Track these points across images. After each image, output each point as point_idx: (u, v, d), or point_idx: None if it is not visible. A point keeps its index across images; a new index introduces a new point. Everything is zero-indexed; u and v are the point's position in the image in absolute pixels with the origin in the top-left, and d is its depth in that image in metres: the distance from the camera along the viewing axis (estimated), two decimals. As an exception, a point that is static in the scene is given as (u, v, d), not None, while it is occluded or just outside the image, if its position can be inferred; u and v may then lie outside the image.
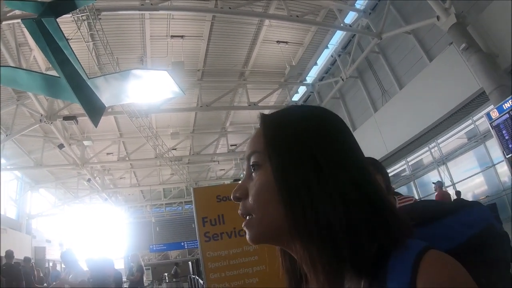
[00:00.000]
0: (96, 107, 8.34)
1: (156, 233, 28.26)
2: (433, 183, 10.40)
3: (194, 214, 5.12)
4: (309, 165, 0.70)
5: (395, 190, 3.13)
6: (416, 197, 6.00)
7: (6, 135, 14.21)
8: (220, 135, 19.62)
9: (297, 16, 11.51)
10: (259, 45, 13.70)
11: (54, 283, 9.01)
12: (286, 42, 14.01)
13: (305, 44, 14.33)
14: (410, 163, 14.00)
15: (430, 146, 12.70)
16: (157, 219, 28.82)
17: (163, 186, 26.04)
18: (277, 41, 13.82)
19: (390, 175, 13.24)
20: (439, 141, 12.30)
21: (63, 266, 8.87)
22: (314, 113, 0.79)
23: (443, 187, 10.39)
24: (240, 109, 16.70)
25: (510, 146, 8.13)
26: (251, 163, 0.79)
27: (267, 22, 12.69)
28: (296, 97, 17.95)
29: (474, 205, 0.77)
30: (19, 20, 8.10)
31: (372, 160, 2.68)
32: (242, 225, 0.79)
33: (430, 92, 10.70)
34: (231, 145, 19.73)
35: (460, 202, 0.78)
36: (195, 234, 5.16)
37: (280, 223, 0.72)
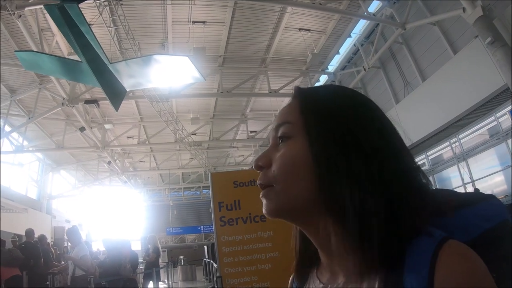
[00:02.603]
0: (117, 91, 8.45)
1: (174, 217, 28.65)
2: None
3: (211, 199, 5.19)
4: (349, 142, 0.69)
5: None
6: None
7: (29, 118, 14.57)
8: (240, 121, 19.62)
9: (320, 4, 11.32)
10: (281, 32, 13.56)
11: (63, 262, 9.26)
12: (309, 30, 13.82)
13: (327, 32, 14.11)
14: (430, 158, 13.78)
15: (451, 141, 12.46)
16: (175, 203, 29.18)
17: (182, 171, 26.31)
18: (299, 29, 13.65)
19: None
20: (460, 136, 12.06)
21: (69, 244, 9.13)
22: (352, 92, 0.79)
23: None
24: (261, 96, 16.68)
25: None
26: (279, 134, 0.76)
27: (289, 9, 12.51)
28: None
29: (490, 198, 0.75)
30: (41, 6, 8.23)
31: None
32: (260, 196, 0.76)
33: (453, 86, 10.47)
34: (251, 132, 19.71)
35: (477, 194, 0.77)
36: (212, 218, 5.23)
37: (306, 197, 0.70)
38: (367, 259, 0.63)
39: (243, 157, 25.18)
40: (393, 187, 0.66)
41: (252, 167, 0.80)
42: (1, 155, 16.49)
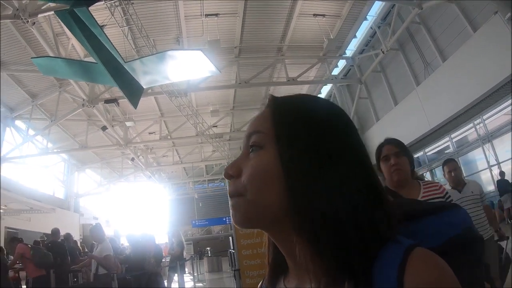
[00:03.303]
0: (134, 89, 8.57)
1: (199, 209, 29.02)
2: None
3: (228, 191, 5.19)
4: (319, 155, 0.69)
5: (422, 174, 3.06)
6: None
7: (51, 121, 14.92)
8: (260, 111, 19.50)
9: (333, -13, 11.15)
10: (295, 19, 13.37)
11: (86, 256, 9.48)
12: (323, 15, 13.60)
13: (343, 16, 13.84)
14: (454, 140, 13.43)
15: (475, 123, 12.10)
16: (200, 195, 29.50)
17: (205, 163, 26.50)
18: (314, 14, 13.44)
19: (432, 152, 12.79)
20: (484, 117, 11.69)
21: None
22: (326, 106, 0.79)
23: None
24: (279, 84, 16.53)
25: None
26: (251, 143, 0.76)
27: (303, -6, 12.27)
28: (335, 71, 17.48)
29: (455, 207, 0.78)
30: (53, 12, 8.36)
31: (397, 141, 2.60)
32: (229, 205, 0.75)
33: (475, 65, 10.12)
34: (271, 118, 19.63)
35: (442, 203, 0.79)
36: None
37: (275, 208, 0.70)
38: (333, 268, 0.63)
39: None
40: (361, 197, 0.67)
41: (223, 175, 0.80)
42: (26, 158, 17.02)
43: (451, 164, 4.67)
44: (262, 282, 0.88)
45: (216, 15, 12.31)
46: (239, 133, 20.11)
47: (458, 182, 4.51)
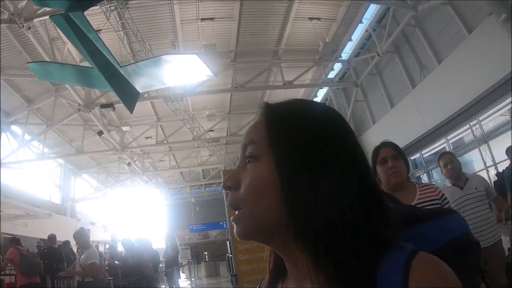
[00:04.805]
0: (130, 94, 8.54)
1: (196, 213, 28.98)
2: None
3: (224, 195, 5.18)
4: (316, 163, 0.69)
5: (419, 176, 3.06)
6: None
7: (47, 126, 14.88)
8: (257, 115, 19.39)
9: (329, -10, 11.19)
10: (291, 23, 13.39)
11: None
12: (319, 19, 13.62)
13: (338, 19, 13.88)
14: (450, 141, 13.46)
15: (471, 124, 12.13)
16: (197, 200, 29.47)
17: (202, 167, 26.49)
18: (309, 18, 13.45)
19: (429, 153, 12.73)
20: (480, 118, 11.71)
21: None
22: (321, 110, 0.77)
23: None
24: (276, 88, 16.52)
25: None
26: (247, 154, 0.75)
27: (298, -3, 12.30)
28: (331, 74, 17.51)
29: (452, 212, 0.79)
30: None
31: (394, 144, 2.59)
32: (231, 219, 0.75)
33: (470, 66, 10.13)
34: (266, 127, 19.64)
35: (440, 209, 0.79)
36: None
37: (273, 219, 0.70)
38: (334, 279, 0.63)
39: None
40: (360, 204, 0.67)
41: (221, 186, 0.80)
42: (23, 163, 16.95)
43: (445, 156, 4.31)
44: (259, 286, 0.88)
45: (212, 19, 12.32)
46: (236, 137, 20.10)
47: (457, 176, 4.13)
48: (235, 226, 0.74)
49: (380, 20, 14.10)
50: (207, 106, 17.04)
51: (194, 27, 12.38)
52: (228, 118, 19.16)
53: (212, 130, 19.54)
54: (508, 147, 5.46)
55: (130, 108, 9.01)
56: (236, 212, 0.74)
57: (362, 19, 14.42)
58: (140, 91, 9.01)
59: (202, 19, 12.11)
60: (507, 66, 8.94)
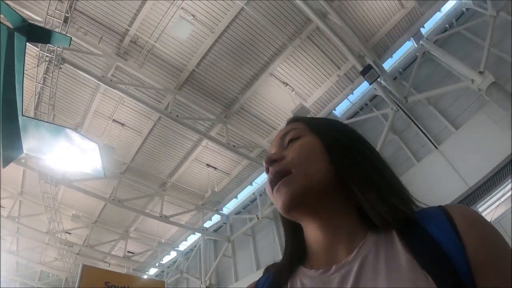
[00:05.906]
0: (13, 147, 7.85)
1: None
2: None
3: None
4: (351, 146, 0.85)
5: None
6: None
7: None
8: (121, 237, 18.20)
9: (234, 146, 12.23)
10: (189, 162, 14.03)
11: None
12: (215, 168, 14.47)
13: (232, 175, 14.86)
14: None
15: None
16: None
17: (42, 267, 22.32)
18: (207, 164, 14.26)
19: None
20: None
21: None
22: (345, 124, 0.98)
23: None
24: (151, 217, 15.93)
25: None
26: (289, 137, 0.87)
27: (204, 142, 13.20)
28: (208, 224, 17.73)
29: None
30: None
31: None
32: (275, 188, 0.80)
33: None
34: (128, 252, 18.16)
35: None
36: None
37: (324, 180, 0.78)
38: (384, 213, 0.74)
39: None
40: (388, 176, 0.84)
41: (263, 164, 0.87)
42: None
43: None
44: (257, 282, 0.94)
45: (123, 125, 12.50)
46: (91, 251, 17.88)
47: None
48: (283, 190, 0.78)
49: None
50: (76, 206, 15.60)
51: (103, 123, 12.35)
52: (91, 228, 17.46)
53: (69, 233, 17.43)
54: None
55: (5, 162, 8.19)
56: (284, 178, 0.79)
57: (253, 182, 15.55)
58: (24, 151, 8.38)
59: (114, 120, 12.23)
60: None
